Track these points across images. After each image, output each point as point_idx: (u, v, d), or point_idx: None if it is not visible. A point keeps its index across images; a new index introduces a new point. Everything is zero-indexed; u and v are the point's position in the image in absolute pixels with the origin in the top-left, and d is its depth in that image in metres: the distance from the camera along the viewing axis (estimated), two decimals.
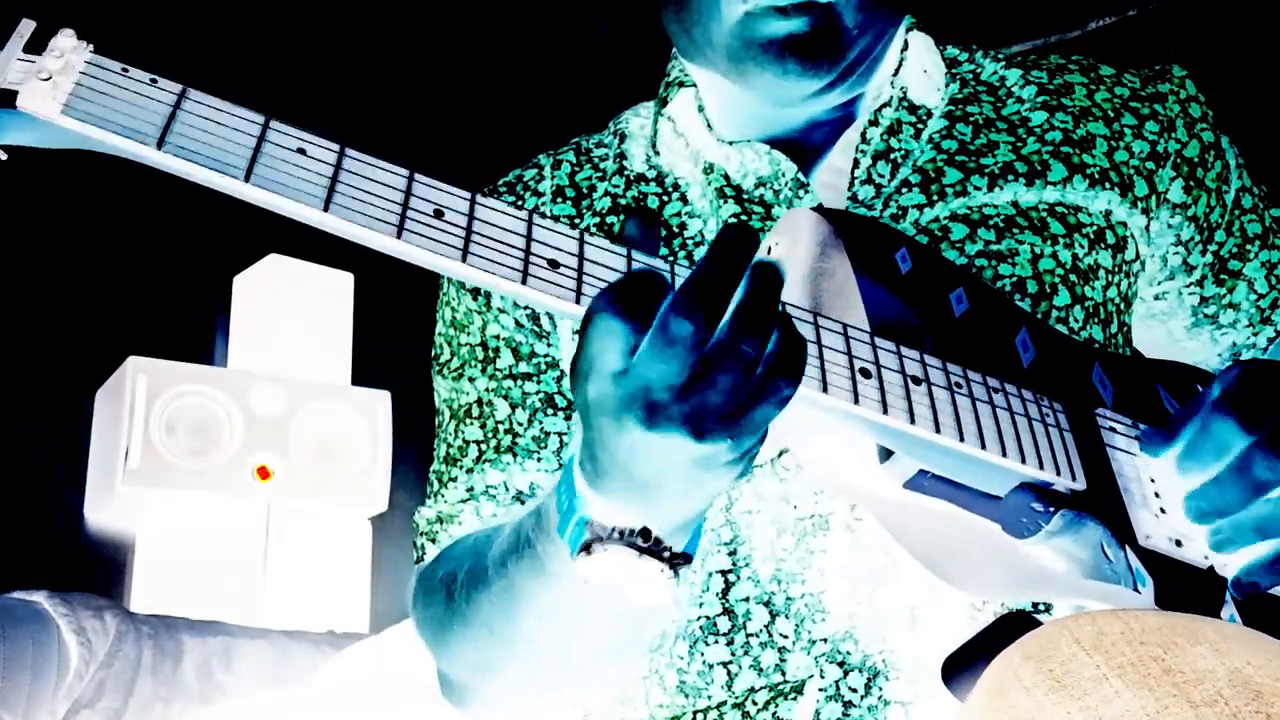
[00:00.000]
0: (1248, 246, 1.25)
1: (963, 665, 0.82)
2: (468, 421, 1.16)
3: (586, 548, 0.81)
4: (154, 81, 0.69)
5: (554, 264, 0.76)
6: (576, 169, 1.22)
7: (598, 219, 1.17)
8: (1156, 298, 1.25)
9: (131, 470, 2.37)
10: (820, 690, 0.99)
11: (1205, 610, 0.89)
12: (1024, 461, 0.87)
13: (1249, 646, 0.67)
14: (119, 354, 2.48)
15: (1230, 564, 0.93)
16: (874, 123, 1.15)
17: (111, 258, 2.66)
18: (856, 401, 0.81)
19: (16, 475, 2.47)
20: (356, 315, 2.86)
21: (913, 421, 0.83)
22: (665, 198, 1.17)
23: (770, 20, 1.05)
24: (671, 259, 0.81)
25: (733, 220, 1.12)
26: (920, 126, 1.16)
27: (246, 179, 0.69)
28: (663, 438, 0.74)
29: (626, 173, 1.20)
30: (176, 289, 2.75)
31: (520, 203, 1.20)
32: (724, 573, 1.04)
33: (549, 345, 1.15)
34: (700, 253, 1.11)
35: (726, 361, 0.72)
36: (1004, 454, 0.86)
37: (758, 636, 1.02)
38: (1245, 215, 1.24)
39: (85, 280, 2.63)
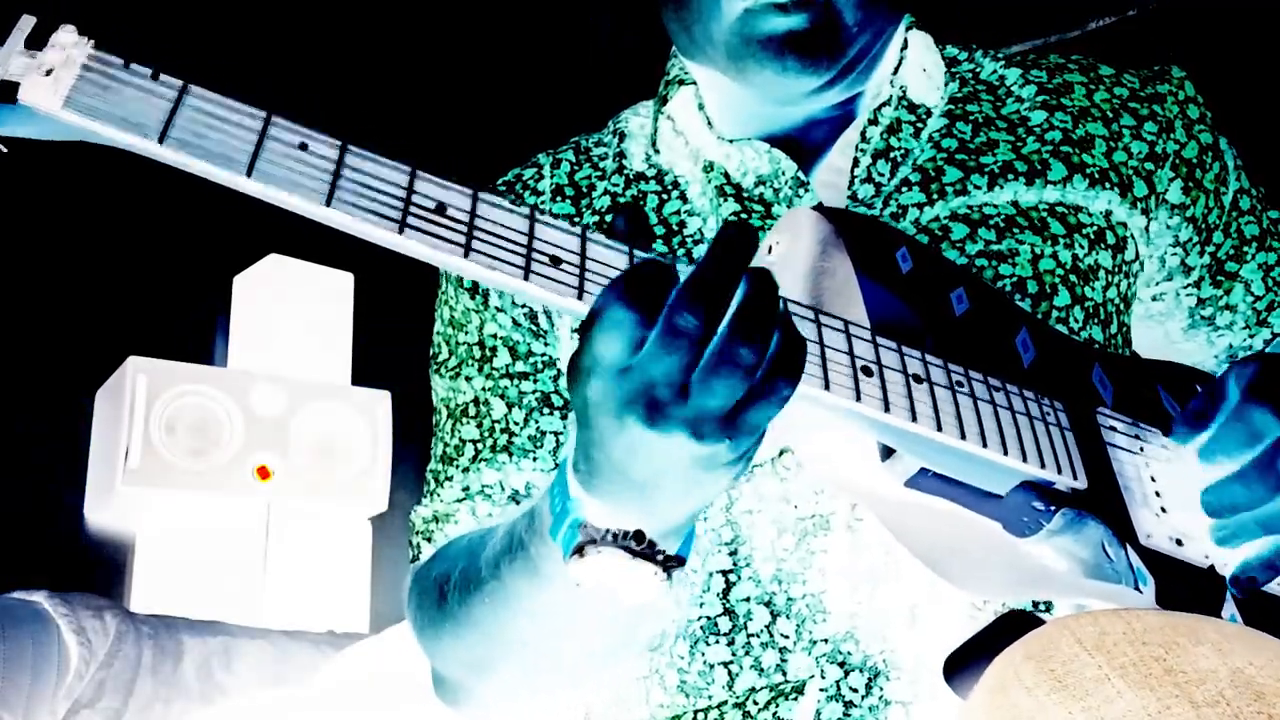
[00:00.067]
0: (1245, 248, 1.24)
1: (964, 664, 0.82)
2: (464, 420, 1.16)
3: (579, 550, 0.81)
4: (156, 76, 0.69)
5: (556, 261, 0.75)
6: (576, 168, 1.22)
7: (597, 218, 1.17)
8: (1154, 299, 1.24)
9: (131, 470, 2.36)
10: (821, 690, 0.99)
11: (1206, 609, 0.89)
12: (1025, 460, 0.87)
13: (1251, 647, 0.67)
14: (119, 354, 2.48)
15: (1230, 561, 0.93)
16: (874, 121, 1.15)
17: (111, 258, 2.66)
18: (858, 399, 0.81)
19: (16, 475, 2.47)
20: (356, 315, 2.86)
21: (914, 420, 0.83)
22: (665, 196, 1.17)
23: (770, 17, 1.05)
24: (671, 256, 0.81)
25: (732, 219, 1.12)
26: (920, 125, 1.16)
27: (248, 174, 0.68)
28: (662, 437, 0.74)
29: (626, 171, 1.20)
30: (176, 289, 2.75)
31: (519, 202, 1.20)
32: (725, 573, 1.04)
33: (546, 344, 1.14)
34: (700, 251, 1.11)
35: (728, 362, 0.72)
36: (1005, 452, 0.86)
37: (759, 636, 1.02)
38: (1243, 217, 1.24)
39: (85, 280, 2.63)
